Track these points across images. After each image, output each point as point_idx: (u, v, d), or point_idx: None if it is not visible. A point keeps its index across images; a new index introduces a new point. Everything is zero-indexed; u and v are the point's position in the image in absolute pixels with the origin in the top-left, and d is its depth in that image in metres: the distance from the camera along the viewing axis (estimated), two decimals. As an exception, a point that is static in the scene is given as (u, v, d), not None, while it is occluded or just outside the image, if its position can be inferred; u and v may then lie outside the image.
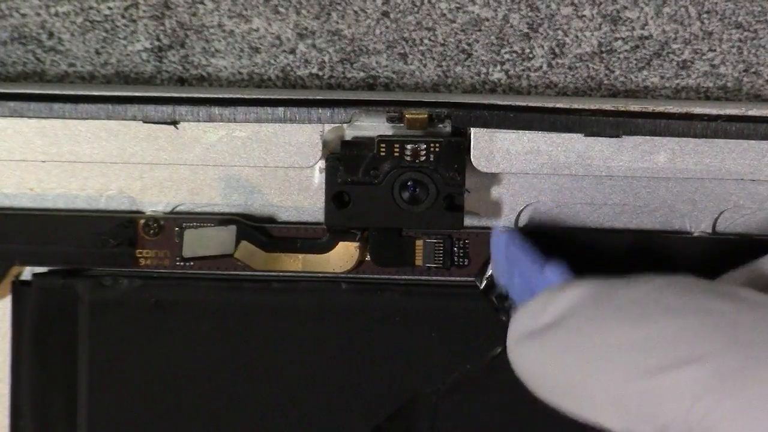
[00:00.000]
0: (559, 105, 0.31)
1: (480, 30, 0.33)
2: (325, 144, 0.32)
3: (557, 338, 0.22)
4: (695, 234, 0.32)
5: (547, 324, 0.22)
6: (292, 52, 0.34)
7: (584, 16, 0.33)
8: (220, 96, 0.31)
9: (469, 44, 0.33)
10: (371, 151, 0.31)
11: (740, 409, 0.18)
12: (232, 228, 0.32)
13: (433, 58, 0.33)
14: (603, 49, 0.33)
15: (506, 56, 0.33)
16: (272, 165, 0.32)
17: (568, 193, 0.32)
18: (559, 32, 0.33)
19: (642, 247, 0.32)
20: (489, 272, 0.31)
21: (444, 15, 0.33)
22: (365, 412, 0.32)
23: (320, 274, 0.32)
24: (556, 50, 0.33)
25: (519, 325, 0.23)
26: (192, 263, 0.32)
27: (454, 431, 0.32)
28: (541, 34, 0.33)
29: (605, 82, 0.34)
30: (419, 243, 0.32)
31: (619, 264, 0.32)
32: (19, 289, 0.33)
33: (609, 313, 0.21)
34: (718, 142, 0.31)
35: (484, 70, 0.34)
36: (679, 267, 0.32)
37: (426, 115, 0.30)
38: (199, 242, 0.32)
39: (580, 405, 0.21)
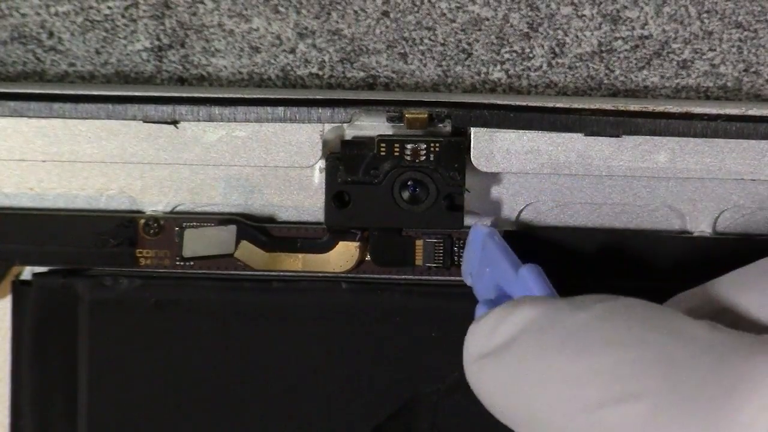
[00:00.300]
0: (559, 105, 0.31)
1: (480, 29, 0.33)
2: (325, 143, 0.32)
3: (505, 363, 0.22)
4: (695, 234, 0.32)
5: (497, 346, 0.22)
6: (292, 51, 0.34)
7: (584, 15, 0.33)
8: (220, 96, 0.31)
9: (469, 44, 0.33)
10: (371, 150, 0.31)
11: None
12: (232, 228, 0.32)
13: (433, 58, 0.33)
14: (603, 48, 0.33)
15: (506, 56, 0.33)
16: (272, 165, 0.32)
17: (568, 193, 0.32)
18: (559, 32, 0.33)
19: (642, 247, 0.32)
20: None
21: (444, 14, 0.33)
22: (365, 412, 0.32)
23: (320, 274, 0.32)
24: (556, 50, 0.33)
25: (473, 344, 0.23)
26: (192, 263, 0.32)
27: (454, 431, 0.32)
28: (541, 33, 0.33)
29: (605, 81, 0.34)
30: (419, 243, 0.32)
31: (619, 264, 0.32)
32: (20, 289, 0.33)
33: (552, 342, 0.21)
34: (718, 141, 0.31)
35: (484, 69, 0.34)
36: (680, 267, 0.32)
37: (426, 115, 0.30)
38: (199, 242, 0.32)
39: (528, 431, 0.21)
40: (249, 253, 0.32)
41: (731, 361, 0.19)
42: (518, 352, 0.21)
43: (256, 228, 0.32)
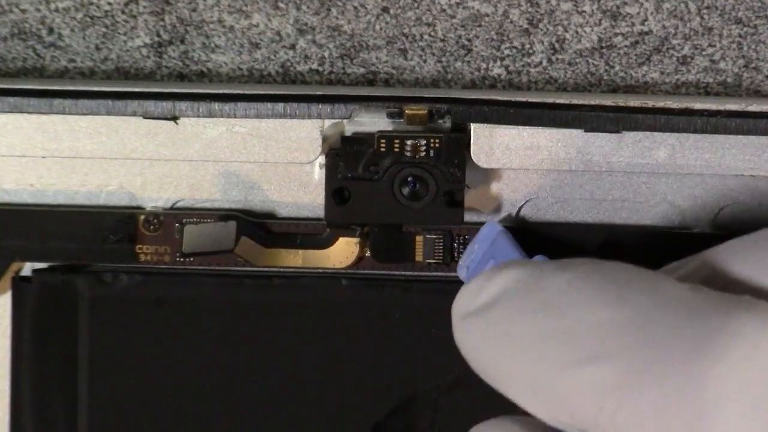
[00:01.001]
0: (559, 101, 0.31)
1: (480, 25, 0.33)
2: (325, 140, 0.32)
3: (488, 322, 0.22)
4: (695, 230, 0.32)
5: (481, 305, 0.22)
6: (292, 47, 0.34)
7: (584, 11, 0.33)
8: (220, 92, 0.31)
9: (469, 40, 0.33)
10: (371, 146, 0.31)
11: (644, 409, 0.18)
12: (232, 224, 0.32)
13: (433, 54, 0.33)
14: (603, 44, 0.33)
15: (506, 52, 0.33)
16: (272, 161, 0.32)
17: (568, 189, 0.32)
18: (559, 28, 0.33)
19: (642, 243, 0.32)
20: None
21: (444, 10, 0.33)
22: (365, 408, 0.32)
23: (320, 270, 0.32)
24: (556, 46, 0.33)
25: (460, 304, 0.23)
26: (192, 259, 0.32)
27: (454, 427, 0.32)
28: (541, 29, 0.33)
29: (605, 77, 0.34)
30: (419, 239, 0.32)
31: (619, 260, 0.32)
32: (19, 285, 0.33)
33: (534, 302, 0.21)
34: (718, 137, 0.31)
35: (484, 65, 0.34)
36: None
37: (426, 111, 0.30)
38: (199, 238, 0.32)
39: (508, 389, 0.21)
40: (249, 249, 0.32)
41: (707, 317, 0.18)
42: (500, 311, 0.21)
43: (256, 224, 0.32)
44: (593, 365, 0.19)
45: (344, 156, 0.31)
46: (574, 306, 0.20)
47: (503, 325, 0.21)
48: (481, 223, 0.31)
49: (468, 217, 0.31)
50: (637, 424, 0.18)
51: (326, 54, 0.34)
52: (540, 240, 0.32)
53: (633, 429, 0.18)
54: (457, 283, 0.32)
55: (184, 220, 0.32)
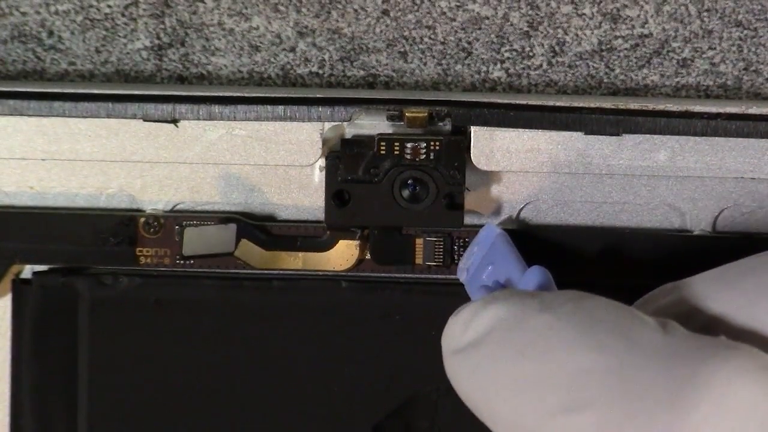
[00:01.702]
0: (559, 103, 0.31)
1: (480, 28, 0.33)
2: (325, 142, 0.32)
3: (474, 361, 0.22)
4: (695, 233, 0.32)
5: (468, 343, 0.22)
6: (292, 50, 0.34)
7: (584, 14, 0.33)
8: (220, 94, 0.31)
9: (469, 42, 0.33)
10: (371, 149, 0.31)
11: None
12: (233, 226, 0.32)
13: (433, 57, 0.33)
14: (603, 47, 0.33)
15: (506, 54, 0.33)
16: (272, 163, 0.32)
17: (568, 192, 0.32)
18: (559, 30, 0.33)
19: (642, 246, 0.32)
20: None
21: (444, 13, 0.33)
22: (365, 410, 0.32)
23: (320, 273, 0.32)
24: (556, 48, 0.33)
25: (449, 338, 0.24)
26: (192, 262, 0.32)
27: (454, 429, 0.32)
28: (541, 32, 0.33)
29: (605, 80, 0.34)
30: (419, 241, 0.32)
31: (618, 262, 0.32)
32: (20, 288, 0.33)
33: (517, 343, 0.21)
34: (718, 140, 0.31)
35: (484, 68, 0.34)
36: (680, 266, 0.32)
37: (426, 114, 0.30)
38: (199, 241, 0.32)
39: (494, 427, 0.21)
40: (249, 251, 0.32)
41: (679, 365, 0.19)
42: (485, 351, 0.22)
43: (256, 227, 0.32)
44: (576, 413, 0.19)
45: (344, 158, 0.31)
46: (554, 350, 0.20)
47: (488, 367, 0.21)
48: (482, 226, 0.31)
49: (468, 219, 0.31)
50: None
51: (326, 57, 0.34)
52: (540, 243, 0.32)
53: None
54: (457, 286, 0.32)
55: (184, 222, 0.32)
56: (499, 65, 0.34)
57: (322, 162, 0.32)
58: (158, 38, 0.33)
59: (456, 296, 0.32)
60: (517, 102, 0.31)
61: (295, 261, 0.32)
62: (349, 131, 0.32)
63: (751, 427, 0.17)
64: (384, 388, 0.32)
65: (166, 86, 0.34)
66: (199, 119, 0.31)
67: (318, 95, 0.31)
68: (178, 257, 0.32)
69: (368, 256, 0.32)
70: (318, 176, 0.32)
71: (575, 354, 0.20)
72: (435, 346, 0.32)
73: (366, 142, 0.31)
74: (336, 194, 0.31)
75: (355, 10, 0.33)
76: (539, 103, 0.31)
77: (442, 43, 0.33)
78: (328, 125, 0.32)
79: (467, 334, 0.22)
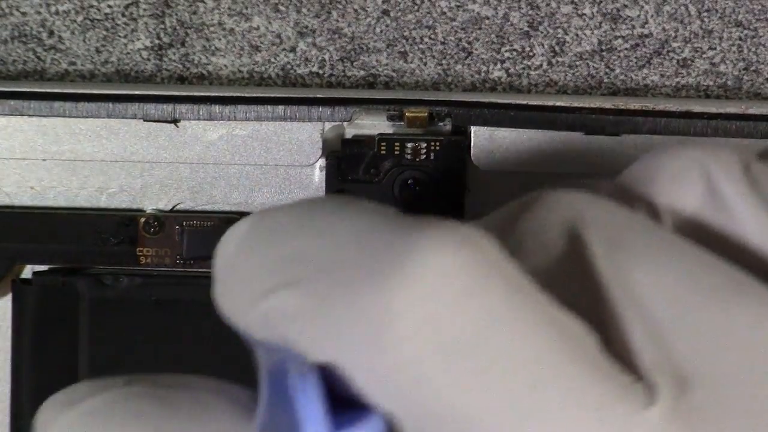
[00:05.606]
0: (559, 103, 0.31)
1: (480, 28, 0.33)
2: (325, 142, 0.32)
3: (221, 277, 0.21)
4: (695, 232, 0.32)
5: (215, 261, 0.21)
6: (293, 50, 0.34)
7: (584, 14, 0.33)
8: (221, 94, 0.31)
9: (469, 42, 0.33)
10: (371, 149, 0.31)
11: (322, 335, 0.17)
12: (233, 226, 0.32)
13: (434, 57, 0.33)
14: (603, 47, 0.33)
15: (506, 54, 0.33)
16: (272, 163, 0.32)
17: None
18: (560, 30, 0.33)
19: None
20: None
21: (444, 13, 0.33)
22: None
23: (320, 273, 0.32)
24: (557, 48, 0.33)
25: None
26: (193, 262, 0.32)
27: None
28: (542, 32, 0.33)
29: (605, 80, 0.34)
30: (419, 241, 0.32)
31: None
32: (20, 288, 0.33)
33: (259, 236, 0.20)
34: (718, 140, 0.31)
35: (484, 68, 0.34)
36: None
37: (426, 114, 0.30)
38: (199, 241, 0.32)
39: (233, 314, 0.21)
40: (249, 251, 0.32)
41: (387, 240, 0.17)
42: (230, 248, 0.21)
43: (257, 227, 0.32)
44: (280, 292, 0.18)
45: (344, 159, 0.31)
46: (289, 236, 0.19)
47: (223, 267, 0.21)
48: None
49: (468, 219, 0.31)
50: (318, 345, 0.17)
51: (326, 57, 0.34)
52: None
53: (314, 355, 0.17)
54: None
55: (185, 222, 0.32)
56: (499, 65, 0.34)
57: (322, 162, 0.32)
58: (158, 38, 0.34)
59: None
60: (518, 102, 0.31)
61: (296, 261, 0.32)
62: (350, 131, 0.32)
63: (442, 299, 0.16)
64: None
65: (167, 86, 0.34)
66: (199, 119, 0.31)
67: (318, 95, 0.31)
68: (178, 257, 0.32)
69: (368, 256, 0.32)
70: (318, 176, 0.32)
71: (297, 238, 0.18)
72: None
73: (366, 142, 0.31)
74: (336, 194, 0.31)
75: (355, 10, 0.33)
76: (539, 103, 0.31)
77: (442, 43, 0.33)
78: (328, 125, 0.32)
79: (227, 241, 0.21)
